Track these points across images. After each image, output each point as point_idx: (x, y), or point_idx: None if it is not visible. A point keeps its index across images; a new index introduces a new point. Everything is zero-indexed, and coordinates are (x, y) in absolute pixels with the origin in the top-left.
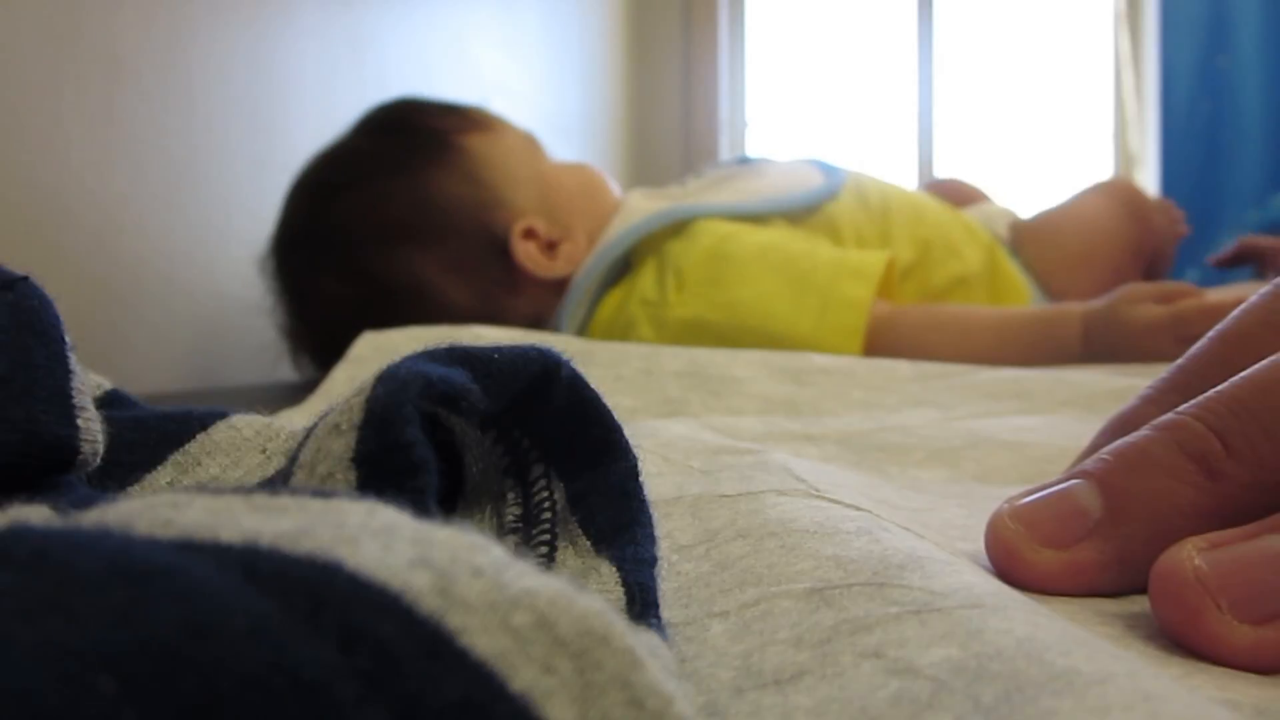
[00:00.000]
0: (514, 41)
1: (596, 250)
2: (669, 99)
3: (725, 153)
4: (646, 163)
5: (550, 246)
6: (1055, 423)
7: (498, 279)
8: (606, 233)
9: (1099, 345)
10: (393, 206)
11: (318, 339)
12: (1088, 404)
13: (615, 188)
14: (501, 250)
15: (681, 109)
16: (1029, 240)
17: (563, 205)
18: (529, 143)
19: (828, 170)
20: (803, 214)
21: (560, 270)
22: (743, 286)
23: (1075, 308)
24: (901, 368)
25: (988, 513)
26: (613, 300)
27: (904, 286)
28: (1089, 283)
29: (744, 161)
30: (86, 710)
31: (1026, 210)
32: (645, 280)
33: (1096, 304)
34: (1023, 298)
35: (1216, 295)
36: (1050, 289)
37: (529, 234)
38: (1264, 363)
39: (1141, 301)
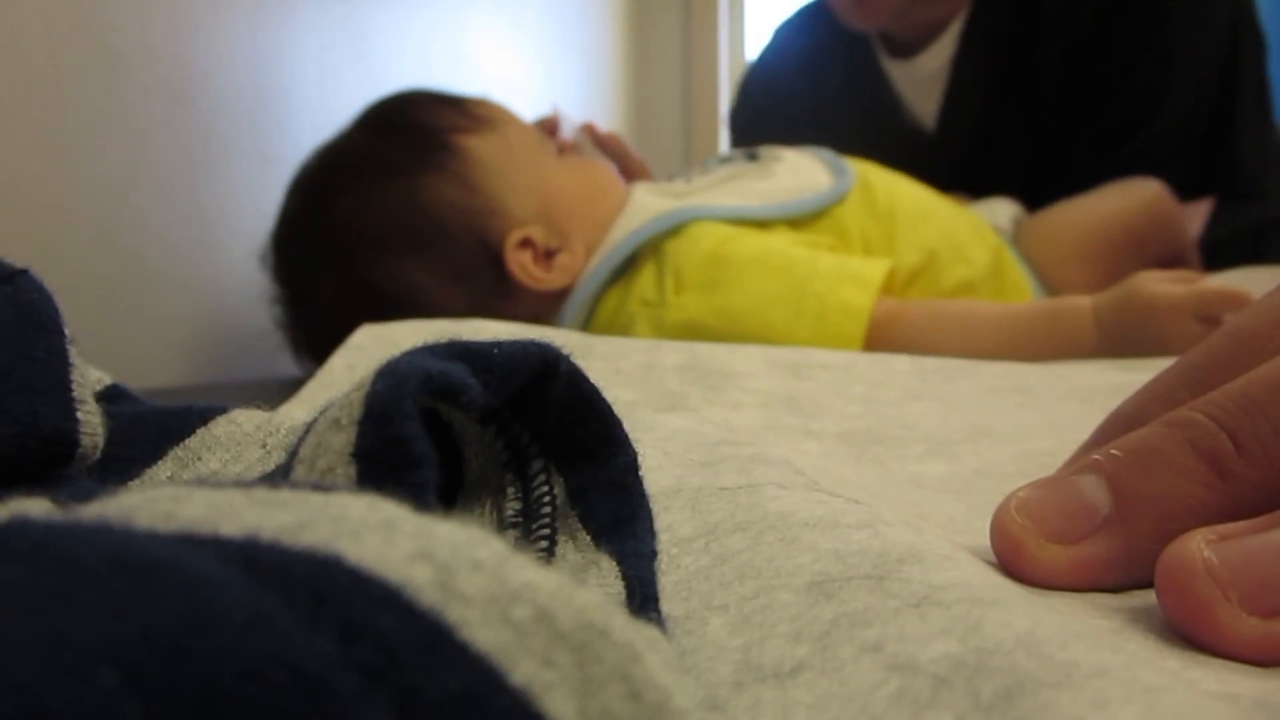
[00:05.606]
0: (514, 34)
1: (601, 255)
2: (669, 91)
3: (726, 145)
4: (646, 155)
5: (547, 255)
6: (1055, 417)
7: (492, 287)
8: (611, 234)
9: (1114, 332)
10: (387, 212)
11: (314, 337)
12: (1088, 398)
13: (621, 182)
14: (495, 259)
15: (681, 101)
16: (1029, 234)
17: (563, 212)
18: (533, 139)
19: (837, 169)
20: (807, 218)
21: (555, 283)
22: (741, 291)
23: (1083, 299)
24: (901, 362)
25: (988, 506)
26: (612, 299)
27: (909, 292)
28: (1085, 278)
29: (751, 156)
30: (88, 703)
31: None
32: (644, 280)
33: (1107, 292)
34: (1024, 296)
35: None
36: (1049, 283)
37: (524, 244)
38: (1276, 360)
39: (1158, 283)
